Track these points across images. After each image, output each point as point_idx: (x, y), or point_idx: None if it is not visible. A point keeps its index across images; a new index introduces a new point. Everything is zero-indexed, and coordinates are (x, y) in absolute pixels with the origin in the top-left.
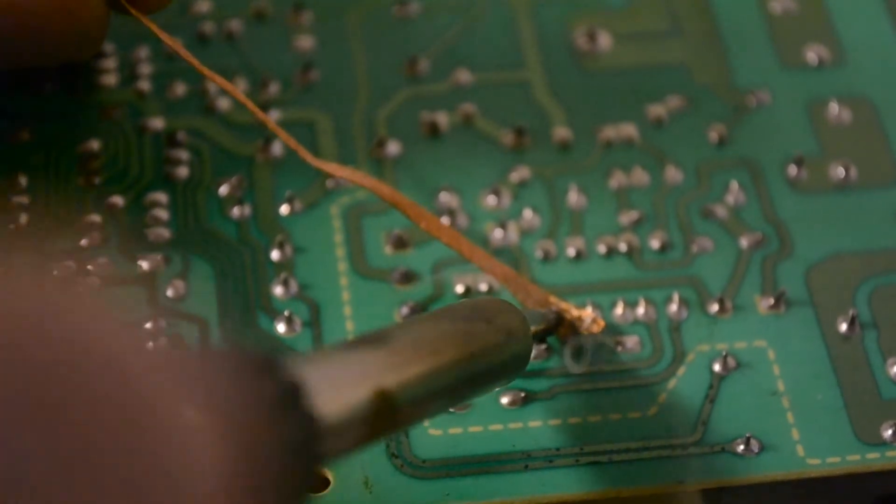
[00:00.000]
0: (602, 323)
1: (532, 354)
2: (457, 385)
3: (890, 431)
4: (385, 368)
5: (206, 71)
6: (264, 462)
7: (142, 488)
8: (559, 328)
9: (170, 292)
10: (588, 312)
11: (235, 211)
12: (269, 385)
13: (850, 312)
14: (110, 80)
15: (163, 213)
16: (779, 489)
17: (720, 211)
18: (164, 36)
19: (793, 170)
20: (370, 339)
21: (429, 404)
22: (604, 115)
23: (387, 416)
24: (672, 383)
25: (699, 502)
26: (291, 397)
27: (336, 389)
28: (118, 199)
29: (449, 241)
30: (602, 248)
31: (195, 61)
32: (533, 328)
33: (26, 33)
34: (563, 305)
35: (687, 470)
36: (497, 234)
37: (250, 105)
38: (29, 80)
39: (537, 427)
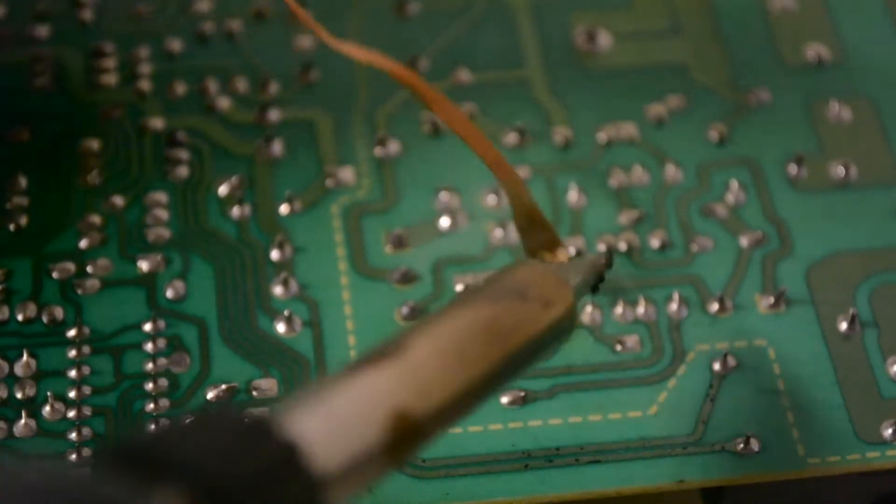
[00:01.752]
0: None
1: (577, 320)
2: (493, 383)
3: (890, 430)
4: (401, 388)
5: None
6: None
7: None
8: (526, 235)
9: (169, 293)
10: (566, 246)
11: (235, 211)
12: (261, 451)
13: (851, 311)
14: (110, 80)
15: (163, 213)
16: (779, 488)
17: (720, 210)
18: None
19: (793, 169)
20: (381, 355)
21: (461, 411)
22: (604, 115)
23: (410, 439)
24: (672, 382)
25: (699, 502)
26: (286, 461)
27: (339, 435)
28: (118, 199)
29: (461, 131)
30: (602, 248)
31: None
32: (578, 284)
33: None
34: (545, 218)
35: (687, 469)
36: (497, 233)
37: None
38: (29, 80)
39: (537, 427)
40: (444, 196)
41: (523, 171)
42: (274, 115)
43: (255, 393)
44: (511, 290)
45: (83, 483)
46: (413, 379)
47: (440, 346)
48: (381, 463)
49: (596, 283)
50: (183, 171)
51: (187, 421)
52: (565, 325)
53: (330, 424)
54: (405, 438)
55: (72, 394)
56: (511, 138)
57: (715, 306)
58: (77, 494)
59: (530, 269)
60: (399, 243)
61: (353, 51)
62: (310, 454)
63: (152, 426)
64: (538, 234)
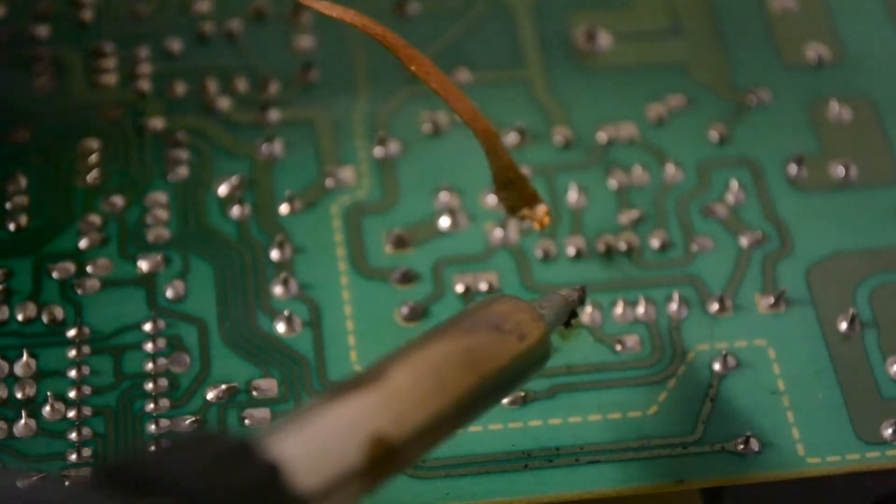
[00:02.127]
0: (549, 220)
1: (549, 352)
2: (469, 410)
3: (890, 430)
4: (380, 413)
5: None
6: None
7: None
8: (504, 192)
9: (169, 293)
10: (543, 203)
11: (235, 211)
12: (245, 472)
13: (851, 311)
14: (110, 80)
15: (163, 213)
16: (779, 488)
17: (720, 210)
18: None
19: (793, 169)
20: (361, 381)
21: (437, 437)
22: (604, 115)
23: (387, 463)
24: (672, 382)
25: (699, 502)
26: (268, 482)
27: (320, 457)
28: (118, 199)
29: (438, 86)
30: (602, 247)
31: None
32: (552, 318)
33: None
34: (525, 180)
35: (687, 469)
36: (497, 233)
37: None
38: (29, 80)
39: (537, 427)
40: (443, 196)
41: (524, 171)
42: (274, 115)
43: (255, 393)
44: (487, 322)
45: (73, 501)
46: (391, 405)
47: (418, 373)
48: (360, 485)
49: (569, 319)
50: (183, 171)
51: (175, 442)
52: (539, 356)
53: (311, 447)
54: (383, 462)
55: (72, 394)
56: (511, 138)
57: (715, 306)
58: None
59: (506, 304)
60: (399, 243)
61: (322, 6)
62: (292, 475)
63: (141, 448)
64: (517, 191)
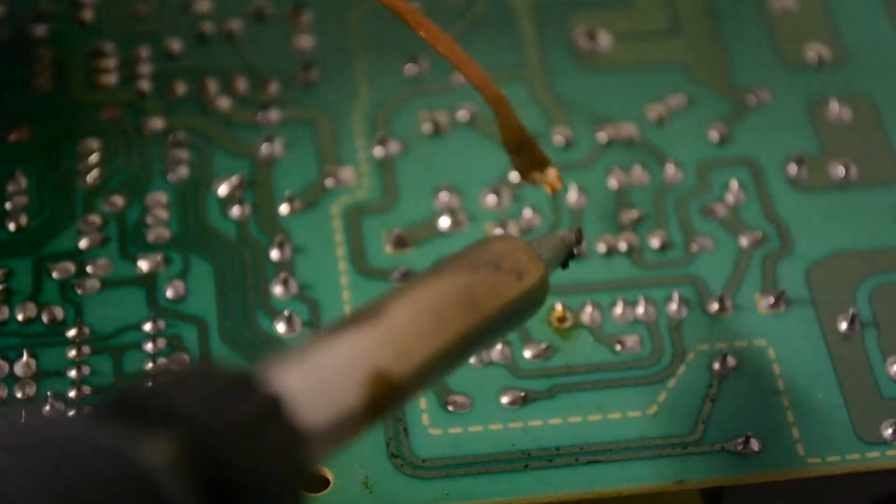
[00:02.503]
0: (559, 183)
1: (547, 291)
2: (468, 347)
3: (890, 430)
4: (380, 350)
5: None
6: (244, 474)
7: None
8: (517, 157)
9: (169, 293)
10: (553, 168)
11: (235, 211)
12: (247, 404)
13: (851, 311)
14: (110, 79)
15: (163, 213)
16: (779, 488)
17: (720, 210)
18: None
19: (793, 169)
20: (361, 318)
21: (438, 373)
22: (604, 114)
23: (388, 399)
24: (672, 382)
25: (699, 502)
26: (270, 412)
27: (322, 388)
28: (118, 199)
29: (447, 52)
30: (602, 248)
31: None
32: (549, 258)
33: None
34: (536, 145)
35: (687, 469)
36: (497, 231)
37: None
38: (29, 80)
39: (537, 427)
40: (443, 196)
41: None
42: (274, 114)
43: None
44: (486, 261)
45: (76, 431)
46: (392, 341)
47: (418, 310)
48: (361, 420)
49: (566, 259)
50: (183, 171)
51: (176, 375)
52: (537, 296)
53: (312, 382)
54: (383, 397)
55: (72, 394)
56: None
57: (715, 306)
58: (70, 442)
59: (504, 243)
60: (399, 243)
61: None
62: (293, 408)
63: (143, 381)
64: (527, 155)
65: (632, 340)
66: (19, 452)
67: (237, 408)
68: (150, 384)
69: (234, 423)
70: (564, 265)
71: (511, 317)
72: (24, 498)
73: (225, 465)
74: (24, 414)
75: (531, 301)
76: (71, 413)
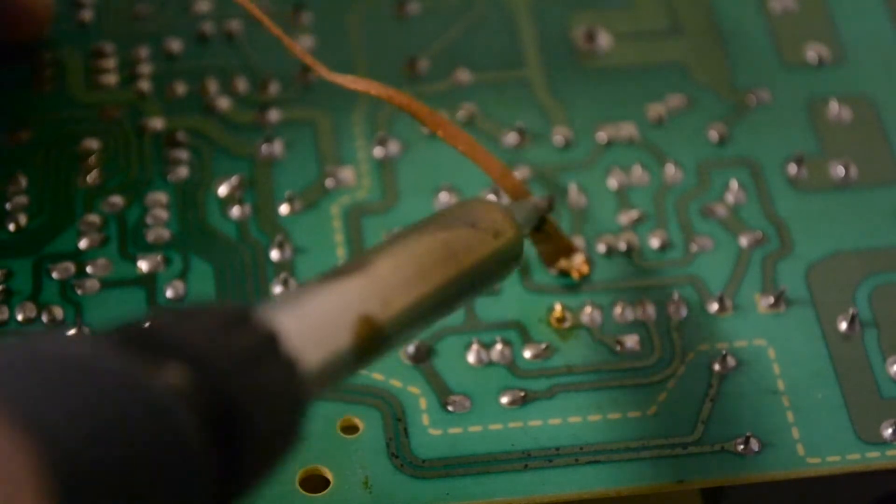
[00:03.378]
0: (587, 270)
1: (522, 250)
2: (448, 297)
3: (890, 430)
4: (366, 296)
5: None
6: (246, 405)
7: None
8: (544, 245)
9: (169, 293)
10: (581, 253)
11: (235, 211)
12: (246, 337)
13: (851, 311)
14: (110, 80)
15: (163, 213)
16: (779, 488)
17: (720, 210)
18: None
19: (793, 168)
20: (347, 269)
21: (420, 321)
22: (604, 114)
23: (375, 342)
24: (672, 383)
25: (698, 501)
26: (267, 347)
27: (314, 330)
28: (118, 199)
29: (465, 149)
30: (602, 248)
31: None
32: (522, 220)
33: None
34: (563, 234)
35: (687, 469)
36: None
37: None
38: (29, 80)
39: (537, 427)
40: (443, 196)
41: (524, 171)
42: (274, 115)
43: None
44: (464, 219)
45: (94, 355)
46: (377, 289)
47: (401, 262)
48: (350, 361)
49: (539, 223)
50: (183, 171)
51: (178, 311)
52: (512, 254)
53: (304, 325)
54: (370, 340)
55: None
56: (511, 138)
57: (715, 306)
58: (89, 364)
59: (481, 205)
60: None
61: (348, 81)
62: (287, 345)
63: (150, 316)
64: (553, 243)
65: (632, 340)
66: (39, 371)
67: (238, 342)
68: (152, 319)
69: (236, 357)
70: (537, 228)
71: (487, 272)
72: (49, 419)
73: (229, 395)
74: (43, 336)
75: (507, 258)
76: (93, 339)
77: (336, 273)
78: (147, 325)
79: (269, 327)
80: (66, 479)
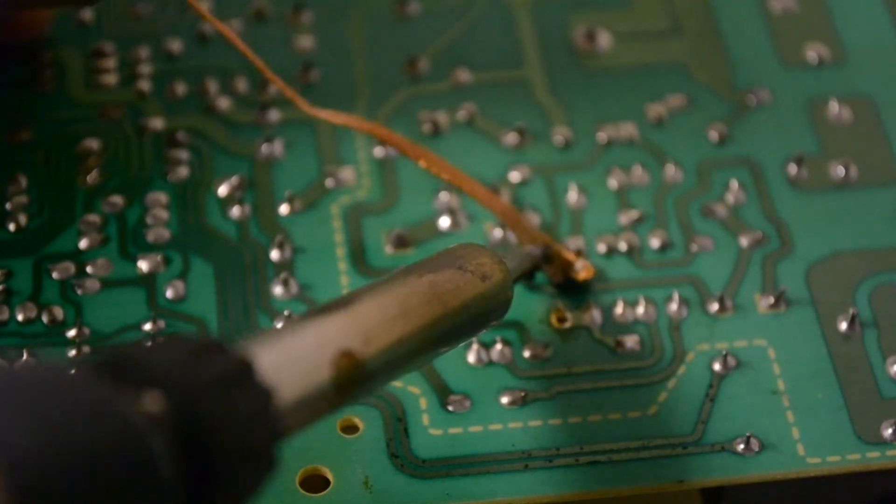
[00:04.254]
0: (592, 269)
1: (511, 296)
2: (434, 338)
3: (890, 430)
4: (348, 333)
5: None
6: (220, 428)
7: None
8: (547, 266)
9: (169, 293)
10: (579, 258)
11: (235, 211)
12: (218, 364)
13: (851, 311)
14: (110, 80)
15: (163, 214)
16: (779, 488)
17: (720, 210)
18: None
19: (793, 168)
20: (331, 307)
21: (404, 361)
22: (604, 114)
23: (355, 378)
24: (672, 383)
25: (698, 501)
26: (241, 374)
27: (292, 362)
28: (118, 199)
29: (451, 178)
30: (602, 248)
31: None
32: (514, 267)
33: None
34: (557, 247)
35: (687, 469)
36: (497, 233)
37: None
38: (29, 80)
39: (537, 427)
40: (443, 196)
41: (523, 171)
42: (274, 115)
43: None
44: (451, 261)
45: (70, 381)
46: (359, 327)
47: (384, 301)
48: (329, 397)
49: (531, 272)
50: (183, 172)
51: (153, 342)
52: (499, 299)
53: (282, 357)
54: (351, 377)
55: None
56: (511, 138)
57: (715, 306)
58: (64, 389)
59: (470, 248)
60: (400, 243)
61: (329, 115)
62: (263, 376)
63: (126, 346)
64: (553, 260)
65: (632, 341)
66: (12, 392)
67: (211, 368)
68: (129, 350)
69: (208, 380)
70: (530, 277)
71: (476, 316)
72: (17, 438)
73: (199, 416)
74: (23, 362)
75: (494, 303)
76: (72, 369)
77: (318, 311)
78: (122, 354)
79: (243, 356)
80: (27, 494)
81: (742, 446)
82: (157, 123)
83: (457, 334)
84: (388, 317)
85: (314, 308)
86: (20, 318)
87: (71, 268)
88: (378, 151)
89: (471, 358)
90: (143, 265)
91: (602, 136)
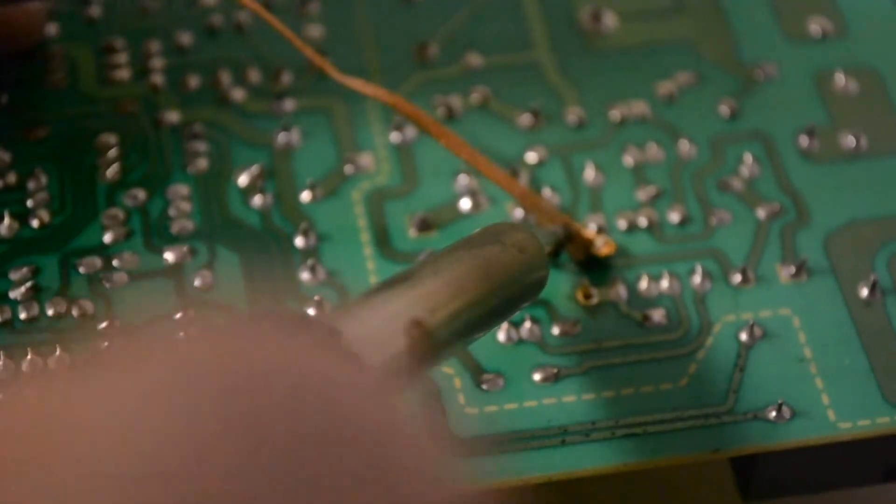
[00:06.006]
0: (613, 244)
1: (549, 267)
2: (486, 309)
3: None
4: (415, 305)
5: None
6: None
7: None
8: (569, 244)
9: (197, 282)
10: (599, 234)
11: (257, 200)
12: (318, 331)
13: (871, 278)
14: (123, 75)
15: (185, 205)
16: (804, 454)
17: (736, 183)
18: None
19: (804, 140)
20: (395, 282)
21: (463, 331)
22: (614, 93)
23: (427, 345)
24: (701, 354)
25: (728, 469)
26: (332, 343)
27: (372, 332)
28: (140, 193)
29: (469, 158)
30: (623, 224)
31: None
32: (544, 243)
33: None
34: (577, 226)
35: (722, 439)
36: (517, 213)
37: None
38: (42, 78)
39: (571, 402)
40: (462, 179)
41: (540, 152)
42: (289, 104)
43: None
44: (491, 239)
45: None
46: (424, 298)
47: (442, 276)
48: (406, 365)
49: (556, 251)
50: (202, 163)
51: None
52: (538, 271)
53: (362, 328)
54: (423, 344)
55: None
56: (526, 120)
57: (738, 278)
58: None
59: (504, 225)
60: (423, 226)
61: (358, 85)
62: (351, 341)
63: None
64: (574, 238)
65: (658, 314)
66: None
67: (313, 335)
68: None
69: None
70: (555, 255)
71: (518, 286)
72: None
73: None
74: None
75: (534, 275)
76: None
77: (383, 286)
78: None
79: (331, 325)
80: None
81: (774, 414)
82: (173, 116)
83: (505, 305)
84: (447, 288)
85: (379, 284)
86: (50, 312)
87: (97, 262)
88: (395, 136)
89: (501, 337)
90: (170, 256)
91: (615, 115)
